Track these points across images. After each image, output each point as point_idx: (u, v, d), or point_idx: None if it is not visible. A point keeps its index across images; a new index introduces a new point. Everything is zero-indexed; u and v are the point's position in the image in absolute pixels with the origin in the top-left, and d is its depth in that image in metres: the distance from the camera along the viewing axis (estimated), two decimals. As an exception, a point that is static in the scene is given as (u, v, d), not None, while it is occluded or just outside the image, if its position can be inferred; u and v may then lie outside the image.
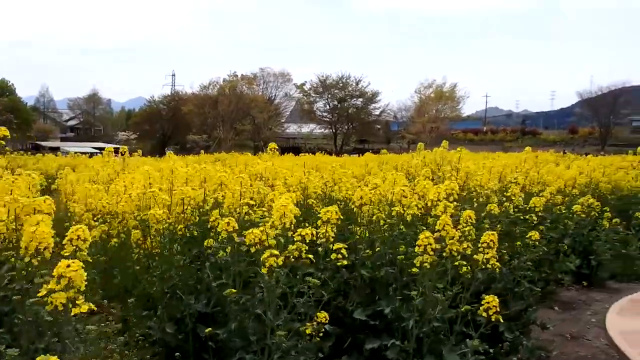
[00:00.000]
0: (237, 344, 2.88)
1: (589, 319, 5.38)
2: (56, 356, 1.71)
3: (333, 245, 2.80)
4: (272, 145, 5.01)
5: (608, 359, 4.59)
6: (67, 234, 2.17)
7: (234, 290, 2.74)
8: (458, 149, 7.86)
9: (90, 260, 2.60)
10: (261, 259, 2.50)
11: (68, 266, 1.92)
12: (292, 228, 2.74)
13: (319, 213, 3.31)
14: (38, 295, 1.95)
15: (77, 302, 1.93)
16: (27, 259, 2.11)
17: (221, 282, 2.93)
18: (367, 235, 3.72)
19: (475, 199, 4.81)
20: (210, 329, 2.89)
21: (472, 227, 3.32)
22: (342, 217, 3.61)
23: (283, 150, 41.69)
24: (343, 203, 4.22)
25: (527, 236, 4.28)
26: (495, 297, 2.90)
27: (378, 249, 3.64)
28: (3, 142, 2.96)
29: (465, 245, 3.14)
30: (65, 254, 2.12)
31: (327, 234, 2.84)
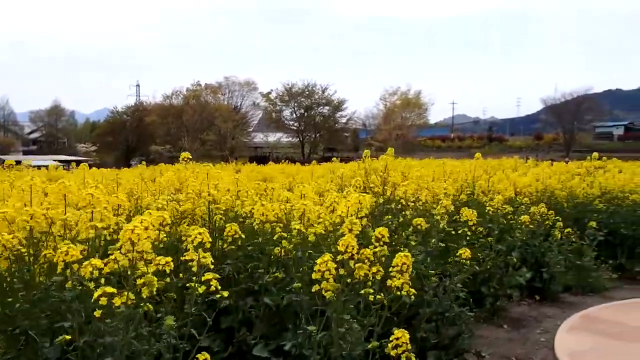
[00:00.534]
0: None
1: (538, 338, 4.95)
2: None
3: (203, 275, 2.25)
4: (185, 154, 4.46)
5: (556, 386, 4.15)
6: None
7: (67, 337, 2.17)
8: (407, 158, 7.40)
9: None
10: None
11: None
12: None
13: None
14: None
15: None
16: None
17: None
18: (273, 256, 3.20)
19: (406, 212, 4.33)
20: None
21: (385, 246, 2.81)
22: (242, 235, 3.09)
23: (251, 160, 41.01)
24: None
25: (458, 254, 3.79)
26: (405, 332, 2.38)
27: (278, 274, 3.12)
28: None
29: (375, 269, 2.63)
30: None
31: (199, 262, 2.29)
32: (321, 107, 59.10)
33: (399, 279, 2.57)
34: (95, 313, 1.97)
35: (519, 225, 5.52)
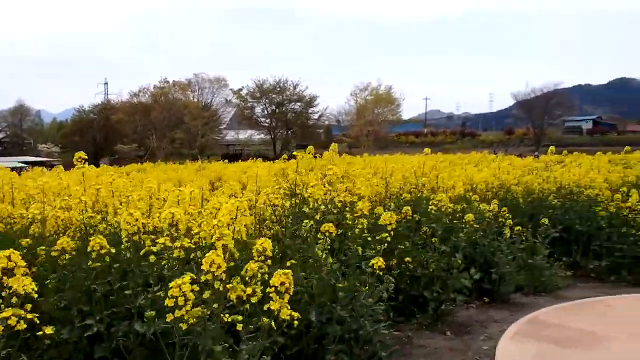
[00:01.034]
0: None
1: (481, 346, 4.59)
2: None
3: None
4: (79, 154, 3.96)
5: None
6: None
7: None
8: (343, 155, 7.00)
9: None
10: None
11: None
12: None
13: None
14: None
15: None
16: None
17: None
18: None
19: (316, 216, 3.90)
20: None
21: (269, 261, 2.38)
22: (111, 249, 2.63)
23: (223, 158, 40.30)
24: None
25: (370, 264, 3.37)
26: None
27: (160, 293, 2.66)
28: None
29: (250, 290, 2.19)
30: None
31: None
32: (293, 104, 58.62)
33: (277, 301, 2.13)
34: None
35: (463, 225, 5.15)
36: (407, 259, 5.04)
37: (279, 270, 2.16)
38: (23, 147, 71.12)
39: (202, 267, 2.11)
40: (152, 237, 2.56)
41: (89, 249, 2.51)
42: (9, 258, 1.90)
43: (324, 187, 4.04)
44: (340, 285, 3.22)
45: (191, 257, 2.53)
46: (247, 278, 2.19)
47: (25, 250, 2.79)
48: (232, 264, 2.24)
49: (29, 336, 2.22)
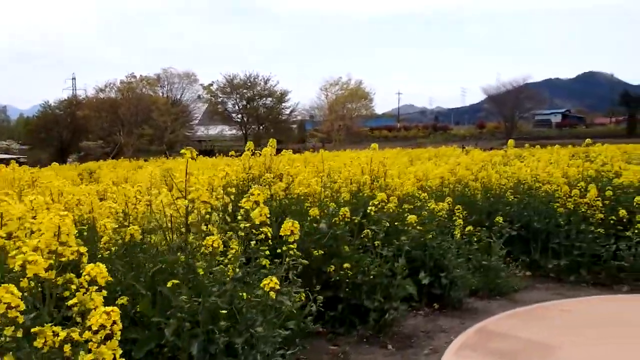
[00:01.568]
0: None
1: (424, 362, 4.19)
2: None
3: None
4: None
5: None
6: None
7: None
8: (284, 151, 6.63)
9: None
10: None
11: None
12: None
13: None
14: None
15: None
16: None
17: None
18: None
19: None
20: None
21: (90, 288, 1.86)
22: None
23: (199, 153, 39.38)
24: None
25: (262, 284, 2.85)
26: None
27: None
28: None
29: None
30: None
31: None
32: (264, 99, 57.86)
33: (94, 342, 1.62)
34: None
35: (406, 227, 4.71)
36: (345, 264, 4.60)
37: (100, 309, 1.67)
38: (-13, 144, 68.80)
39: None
40: None
41: None
42: None
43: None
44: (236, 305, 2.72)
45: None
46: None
47: None
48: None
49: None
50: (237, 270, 2.77)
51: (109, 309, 1.57)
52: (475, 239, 6.18)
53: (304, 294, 4.08)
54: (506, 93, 68.66)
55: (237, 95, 57.57)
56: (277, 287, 2.42)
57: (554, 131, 68.28)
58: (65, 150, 57.02)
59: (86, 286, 1.74)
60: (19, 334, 1.56)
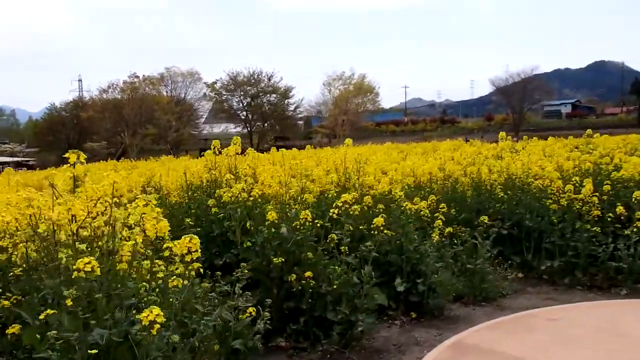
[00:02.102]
0: None
1: (390, 383, 3.76)
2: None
3: None
4: None
5: None
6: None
7: None
8: (249, 149, 6.22)
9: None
10: None
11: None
12: None
13: None
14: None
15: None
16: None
17: None
18: None
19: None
20: None
21: None
22: None
23: (201, 152, 39.28)
24: None
25: (141, 316, 2.42)
26: None
27: None
28: None
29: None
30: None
31: None
32: (268, 95, 57.48)
33: None
34: None
35: (373, 230, 4.25)
36: (307, 273, 4.17)
37: None
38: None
39: None
40: None
41: None
42: None
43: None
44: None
45: None
46: None
47: None
48: None
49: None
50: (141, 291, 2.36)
51: None
52: (460, 240, 5.74)
53: (253, 309, 3.67)
54: (514, 85, 67.60)
55: (241, 93, 57.26)
56: (161, 319, 1.99)
57: (563, 122, 67.23)
58: (72, 153, 57.07)
59: None
60: None
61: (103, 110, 50.83)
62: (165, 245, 2.43)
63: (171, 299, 2.67)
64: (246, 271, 4.04)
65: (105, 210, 2.36)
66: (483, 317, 4.93)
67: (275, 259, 4.25)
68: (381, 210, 5.01)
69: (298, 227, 4.24)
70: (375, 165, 6.50)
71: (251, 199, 4.73)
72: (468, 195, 6.97)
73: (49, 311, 2.05)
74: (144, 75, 52.52)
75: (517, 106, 66.82)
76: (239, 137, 5.40)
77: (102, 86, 53.47)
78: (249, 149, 5.77)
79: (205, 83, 58.85)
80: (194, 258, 2.38)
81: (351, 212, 4.31)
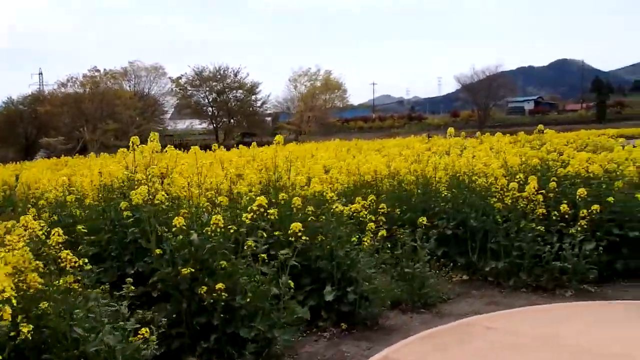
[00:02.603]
0: None
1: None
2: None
3: None
4: None
5: None
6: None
7: None
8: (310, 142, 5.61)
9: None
10: None
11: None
12: None
13: None
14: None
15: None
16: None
17: None
18: None
19: None
20: None
21: None
22: None
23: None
24: None
25: None
26: None
27: None
28: None
29: None
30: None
31: None
32: (234, 91, 56.60)
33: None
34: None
35: (291, 236, 3.85)
36: (218, 285, 3.74)
37: None
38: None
39: None
40: None
41: None
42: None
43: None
44: None
45: None
46: None
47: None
48: None
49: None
50: None
51: None
52: (400, 242, 5.40)
53: (146, 330, 3.23)
54: (479, 82, 68.36)
55: (207, 88, 56.24)
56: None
57: (527, 118, 68.36)
58: (31, 148, 55.07)
59: None
60: None
61: (62, 104, 49.11)
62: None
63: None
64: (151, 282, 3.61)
65: None
66: (420, 326, 4.60)
67: (183, 269, 3.81)
68: (310, 212, 4.63)
69: (209, 233, 3.80)
70: (308, 164, 6.10)
71: (165, 202, 4.28)
72: (416, 194, 6.66)
73: None
74: (105, 69, 50.97)
75: (482, 103, 67.59)
76: (156, 133, 4.91)
77: (61, 80, 51.63)
78: (214, 144, 5.28)
79: (170, 78, 57.57)
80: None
81: (270, 217, 3.89)
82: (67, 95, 50.62)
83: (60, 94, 52.01)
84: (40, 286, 3.02)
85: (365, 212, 5.39)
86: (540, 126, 8.18)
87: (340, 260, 4.60)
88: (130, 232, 4.59)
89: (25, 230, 3.18)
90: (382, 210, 5.52)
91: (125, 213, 4.56)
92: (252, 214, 3.79)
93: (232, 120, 57.71)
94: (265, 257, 3.93)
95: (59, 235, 3.23)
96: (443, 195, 6.14)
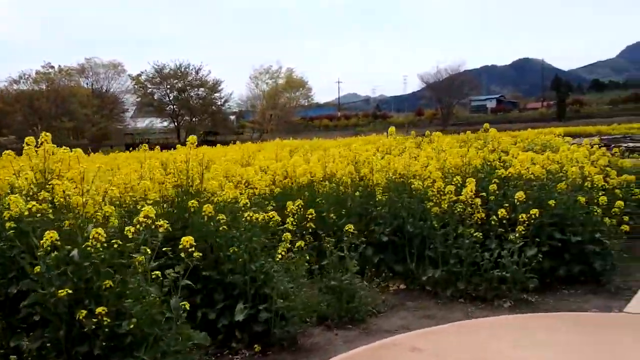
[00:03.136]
0: None
1: None
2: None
3: None
4: None
5: None
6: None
7: None
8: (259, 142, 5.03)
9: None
10: None
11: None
12: None
13: None
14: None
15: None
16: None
17: None
18: None
19: None
20: None
21: None
22: None
23: (127, 147, 37.16)
24: None
25: None
26: None
27: None
28: None
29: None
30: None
31: None
32: (196, 89, 55.49)
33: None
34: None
35: (181, 252, 3.36)
36: (99, 309, 3.23)
37: None
38: None
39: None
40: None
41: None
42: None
43: None
44: None
45: None
46: None
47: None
48: None
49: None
50: None
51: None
52: (328, 251, 4.97)
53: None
54: (443, 80, 68.93)
55: (168, 86, 54.96)
56: None
57: (489, 116, 69.21)
58: (-20, 149, 52.87)
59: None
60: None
61: (14, 102, 47.16)
62: None
63: None
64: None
65: None
66: (342, 346, 4.18)
67: (60, 291, 3.29)
68: (222, 221, 4.15)
69: (89, 249, 3.29)
70: (226, 166, 5.62)
71: (49, 212, 3.74)
72: (355, 197, 6.25)
73: None
74: (59, 66, 49.14)
75: (446, 101, 68.18)
76: (49, 134, 4.35)
77: (13, 77, 49.54)
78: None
79: (129, 75, 56.03)
80: None
81: (162, 229, 3.40)
82: (21, 93, 48.70)
83: (13, 91, 49.99)
84: None
85: (292, 219, 4.93)
86: (486, 125, 7.89)
87: (253, 275, 4.13)
88: (16, 247, 4.04)
89: None
90: (311, 217, 5.08)
91: (7, 224, 4.00)
92: (138, 225, 3.29)
93: (194, 119, 56.59)
94: (159, 275, 3.44)
95: None
96: (378, 199, 5.74)
